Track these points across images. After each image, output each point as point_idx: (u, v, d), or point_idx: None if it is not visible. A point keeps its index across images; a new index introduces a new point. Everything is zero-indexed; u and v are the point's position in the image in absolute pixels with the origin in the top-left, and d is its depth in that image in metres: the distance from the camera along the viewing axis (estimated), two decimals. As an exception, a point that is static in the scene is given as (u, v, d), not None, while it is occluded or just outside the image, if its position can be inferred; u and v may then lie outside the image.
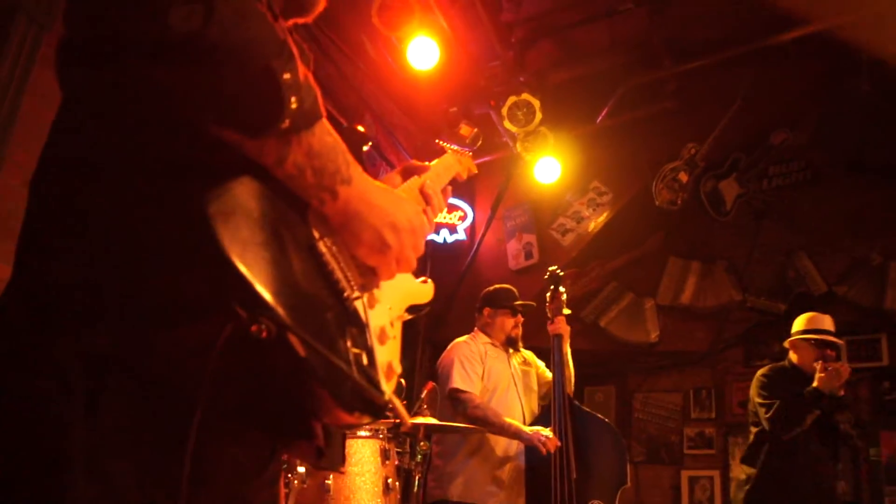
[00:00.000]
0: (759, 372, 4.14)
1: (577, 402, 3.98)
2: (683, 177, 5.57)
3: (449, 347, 4.03)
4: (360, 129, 1.21)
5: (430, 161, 1.50)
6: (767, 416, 3.89)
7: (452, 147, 1.68)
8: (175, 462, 0.79)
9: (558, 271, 4.26)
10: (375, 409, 0.93)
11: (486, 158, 5.96)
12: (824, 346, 3.95)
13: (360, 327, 0.99)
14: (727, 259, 6.11)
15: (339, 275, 0.97)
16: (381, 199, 1.04)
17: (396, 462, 3.35)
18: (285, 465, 2.79)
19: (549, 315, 4.13)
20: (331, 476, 2.92)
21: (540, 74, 5.32)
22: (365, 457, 3.09)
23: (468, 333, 4.13)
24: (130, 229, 0.83)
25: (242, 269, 0.77)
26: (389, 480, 3.14)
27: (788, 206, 5.88)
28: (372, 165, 5.62)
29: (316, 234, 0.96)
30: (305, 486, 2.89)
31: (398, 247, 1.05)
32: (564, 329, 4.07)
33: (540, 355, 4.28)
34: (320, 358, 0.82)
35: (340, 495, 2.96)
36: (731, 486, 5.71)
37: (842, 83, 5.15)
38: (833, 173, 5.67)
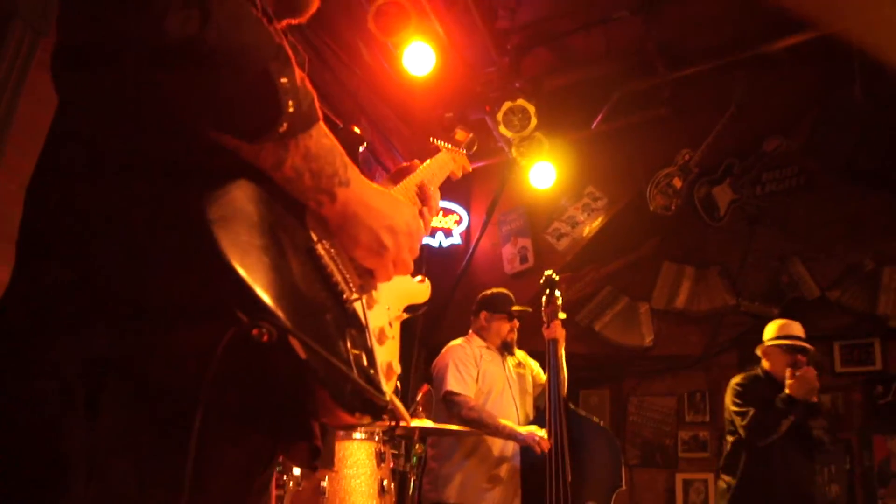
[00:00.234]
0: (733, 380, 4.18)
1: (572, 406, 3.99)
2: (677, 182, 5.60)
3: (444, 351, 4.04)
4: (356, 130, 1.22)
5: (424, 161, 1.49)
6: (743, 423, 3.93)
7: (447, 145, 1.67)
8: (175, 463, 0.79)
9: (554, 276, 4.28)
10: (376, 409, 0.94)
11: (482, 163, 5.98)
12: (795, 351, 4.01)
13: (360, 328, 1.00)
14: (721, 264, 6.12)
15: (337, 277, 0.97)
16: (379, 201, 1.04)
17: (392, 464, 3.36)
18: (280, 468, 2.79)
19: (544, 319, 4.15)
20: (326, 478, 2.92)
21: (535, 80, 5.35)
22: (360, 459, 3.09)
23: (463, 336, 4.15)
24: (129, 233, 0.82)
25: (243, 273, 0.77)
26: (385, 482, 3.15)
27: (782, 212, 5.89)
28: (368, 170, 5.63)
29: (314, 237, 0.96)
30: (301, 488, 2.89)
31: (395, 249, 1.06)
32: (560, 333, 4.08)
33: (535, 359, 4.30)
34: (321, 360, 0.83)
35: (336, 497, 2.96)
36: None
37: (835, 90, 5.18)
38: (826, 179, 5.68)
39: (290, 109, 0.85)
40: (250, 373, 0.86)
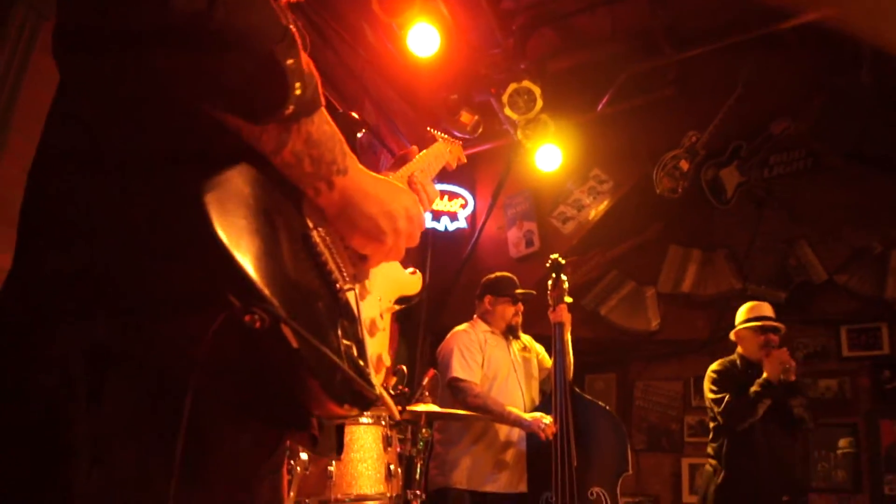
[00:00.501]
0: (710, 368, 4.24)
1: (577, 390, 3.99)
2: (684, 165, 5.55)
3: (448, 336, 4.03)
4: (355, 115, 1.20)
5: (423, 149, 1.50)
6: (720, 410, 3.98)
7: (443, 136, 1.68)
8: (175, 450, 0.79)
9: (560, 259, 4.26)
10: (365, 401, 0.93)
11: (487, 146, 5.94)
12: (766, 331, 4.06)
13: (351, 319, 0.99)
14: (728, 247, 6.10)
15: (331, 265, 0.97)
16: (377, 188, 1.04)
17: (398, 449, 3.36)
18: (288, 453, 2.79)
19: (550, 303, 4.14)
20: (333, 463, 2.93)
21: (541, 62, 5.30)
22: (367, 444, 3.10)
23: (468, 321, 4.14)
24: (130, 219, 0.82)
25: (237, 257, 0.76)
26: (392, 467, 3.16)
27: (789, 195, 5.86)
28: (373, 153, 5.60)
29: (310, 224, 0.96)
30: (308, 472, 2.90)
31: (394, 235, 1.05)
32: (566, 317, 4.07)
33: (540, 343, 4.29)
34: (312, 349, 0.82)
35: (343, 481, 2.97)
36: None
37: (843, 73, 5.13)
38: (834, 162, 5.65)
39: (297, 92, 0.85)
40: (245, 360, 0.86)
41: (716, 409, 4.02)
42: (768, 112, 5.73)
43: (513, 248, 6.30)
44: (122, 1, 0.78)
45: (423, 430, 3.51)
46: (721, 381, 4.10)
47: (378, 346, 1.07)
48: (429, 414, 3.45)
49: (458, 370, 3.78)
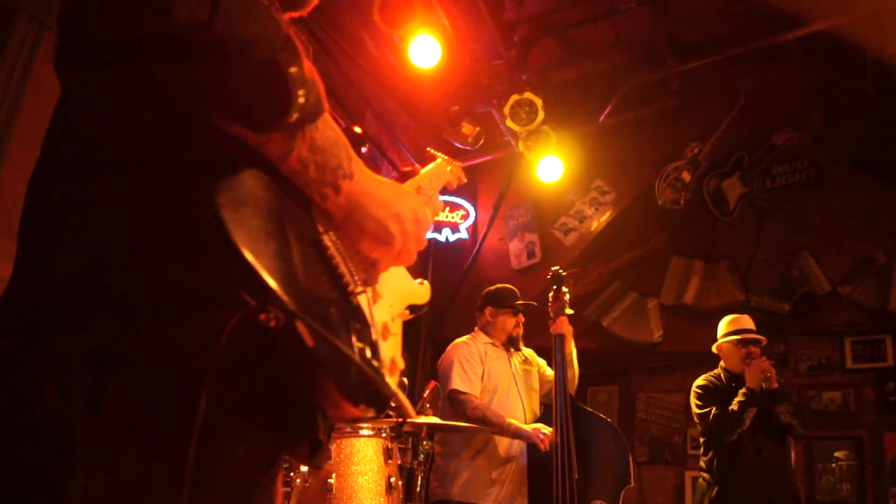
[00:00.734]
0: (694, 383, 4.29)
1: (579, 402, 3.97)
2: (686, 176, 5.55)
3: (449, 348, 4.01)
4: (357, 130, 1.20)
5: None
6: (706, 424, 4.04)
7: (444, 157, 1.70)
8: (178, 454, 0.78)
9: (561, 271, 4.25)
10: (381, 401, 0.93)
11: (489, 157, 5.95)
12: (748, 343, 4.12)
13: (364, 322, 0.99)
14: (730, 259, 6.09)
15: (343, 269, 0.97)
16: (384, 191, 1.04)
17: (399, 461, 3.34)
18: (287, 465, 2.78)
19: (551, 315, 4.12)
20: (333, 475, 2.91)
21: (542, 73, 5.31)
22: (367, 456, 3.07)
23: (469, 333, 4.12)
24: (133, 223, 0.82)
25: (251, 257, 0.77)
26: (392, 479, 3.13)
27: (792, 206, 5.85)
28: (374, 165, 5.61)
29: (320, 229, 0.96)
30: (308, 485, 2.88)
31: (402, 237, 1.05)
32: (567, 329, 4.05)
33: (542, 355, 4.27)
34: (328, 347, 0.82)
35: (343, 494, 2.94)
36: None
37: (846, 83, 5.13)
38: (837, 173, 5.64)
39: (301, 100, 0.85)
40: (254, 363, 0.86)
41: (702, 424, 4.07)
42: (771, 123, 5.75)
43: (514, 259, 6.29)
44: (123, 12, 0.79)
45: (424, 443, 3.49)
46: (705, 395, 4.15)
47: (391, 350, 1.07)
48: (430, 426, 3.42)
49: (457, 382, 3.77)
